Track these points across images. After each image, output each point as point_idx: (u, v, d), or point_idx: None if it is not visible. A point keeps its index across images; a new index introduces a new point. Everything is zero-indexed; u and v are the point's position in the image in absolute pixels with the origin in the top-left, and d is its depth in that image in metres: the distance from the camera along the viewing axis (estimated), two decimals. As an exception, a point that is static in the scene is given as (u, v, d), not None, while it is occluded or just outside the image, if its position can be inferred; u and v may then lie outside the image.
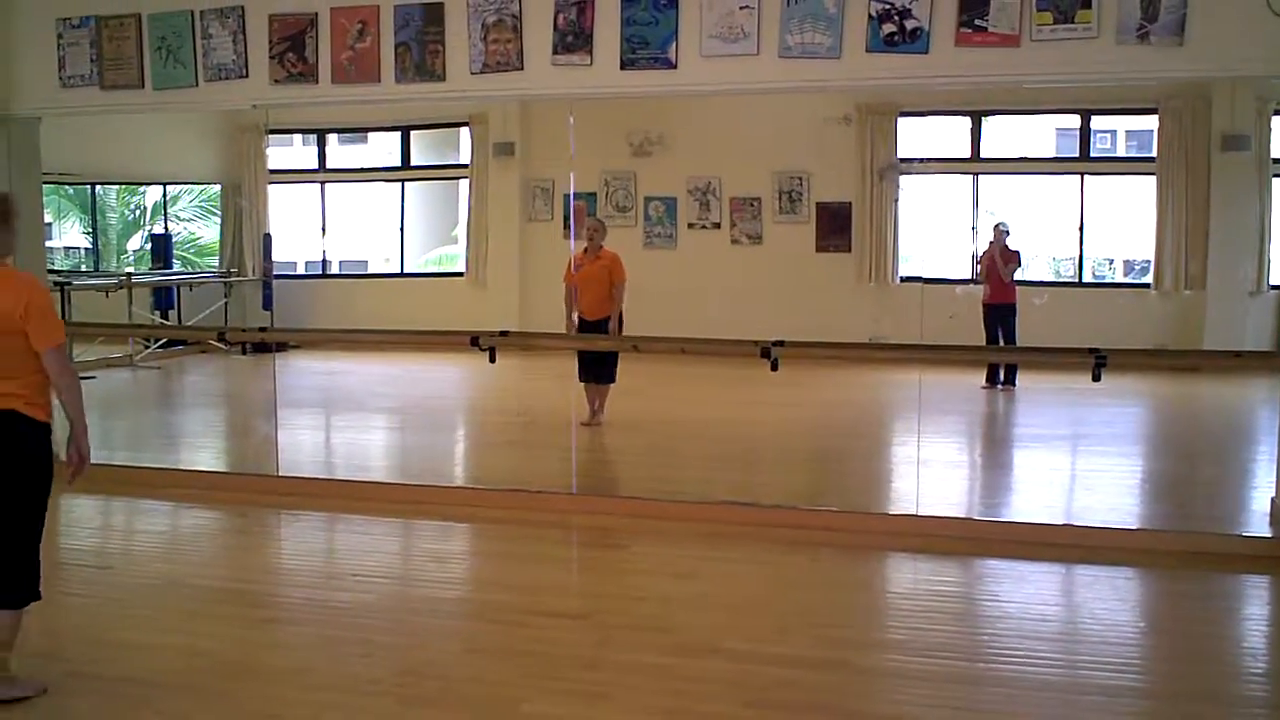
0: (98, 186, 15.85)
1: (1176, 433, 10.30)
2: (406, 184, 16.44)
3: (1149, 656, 4.76)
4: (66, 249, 17.04)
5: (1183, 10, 5.60)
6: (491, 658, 4.55)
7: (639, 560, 5.97)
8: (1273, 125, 12.81)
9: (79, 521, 6.94)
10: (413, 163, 16.33)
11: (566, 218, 14.32)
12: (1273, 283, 12.66)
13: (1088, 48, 5.74)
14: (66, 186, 15.58)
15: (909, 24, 5.92)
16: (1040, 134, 15.83)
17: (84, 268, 16.31)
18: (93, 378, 12.22)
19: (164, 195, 16.45)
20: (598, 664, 4.43)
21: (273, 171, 15.89)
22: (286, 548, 6.55)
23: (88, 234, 16.44)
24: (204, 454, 9.30)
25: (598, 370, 9.08)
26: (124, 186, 16.53)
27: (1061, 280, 14.76)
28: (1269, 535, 6.29)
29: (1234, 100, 12.76)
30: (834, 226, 14.07)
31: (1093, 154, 14.36)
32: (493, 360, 7.14)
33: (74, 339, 12.31)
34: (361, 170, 17.97)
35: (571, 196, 14.30)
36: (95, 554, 6.28)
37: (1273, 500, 6.53)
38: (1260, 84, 11.97)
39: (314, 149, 16.54)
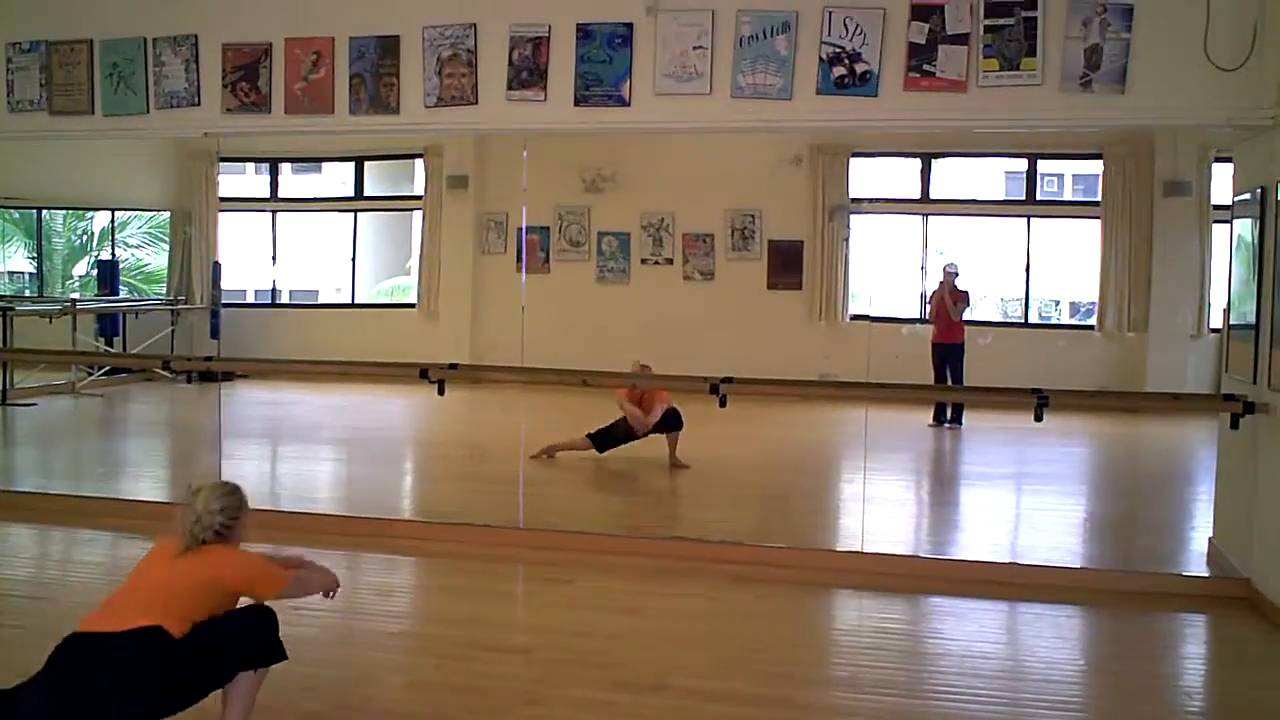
0: (44, 211, 15.65)
1: (1118, 473, 10.45)
2: (359, 214, 16.40)
3: (1089, 694, 4.80)
4: (10, 273, 16.79)
5: (1124, 60, 5.75)
6: (434, 692, 4.51)
7: (584, 595, 5.95)
8: (1213, 172, 13.11)
9: (15, 551, 6.82)
10: (366, 193, 16.30)
11: (519, 251, 14.35)
12: (1213, 326, 12.88)
13: (1033, 94, 5.88)
14: (12, 210, 15.38)
15: (859, 67, 6.03)
16: (989, 176, 16.08)
17: (28, 293, 16.09)
18: (34, 404, 12.04)
19: (112, 221, 16.28)
20: (540, 699, 4.40)
21: (223, 199, 15.77)
22: (228, 580, 6.45)
23: (32, 259, 16.22)
24: (146, 484, 9.16)
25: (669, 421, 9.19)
26: (71, 211, 16.33)
27: (1008, 321, 14.97)
28: (1206, 575, 6.39)
29: (1176, 147, 13.06)
30: (785, 264, 14.20)
31: (1039, 197, 14.63)
32: (441, 393, 7.12)
33: (15, 365, 12.15)
34: (314, 200, 17.89)
35: (524, 230, 14.33)
36: (31, 584, 6.16)
37: (1210, 540, 6.65)
38: (1201, 132, 12.24)
39: (266, 177, 16.47)
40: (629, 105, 6.36)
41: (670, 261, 14.47)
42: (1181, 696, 4.92)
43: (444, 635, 5.28)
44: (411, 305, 15.59)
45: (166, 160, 15.41)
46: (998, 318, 15.38)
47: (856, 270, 14.20)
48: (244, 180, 17.40)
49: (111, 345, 14.14)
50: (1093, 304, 13.99)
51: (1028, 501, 9.04)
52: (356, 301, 16.53)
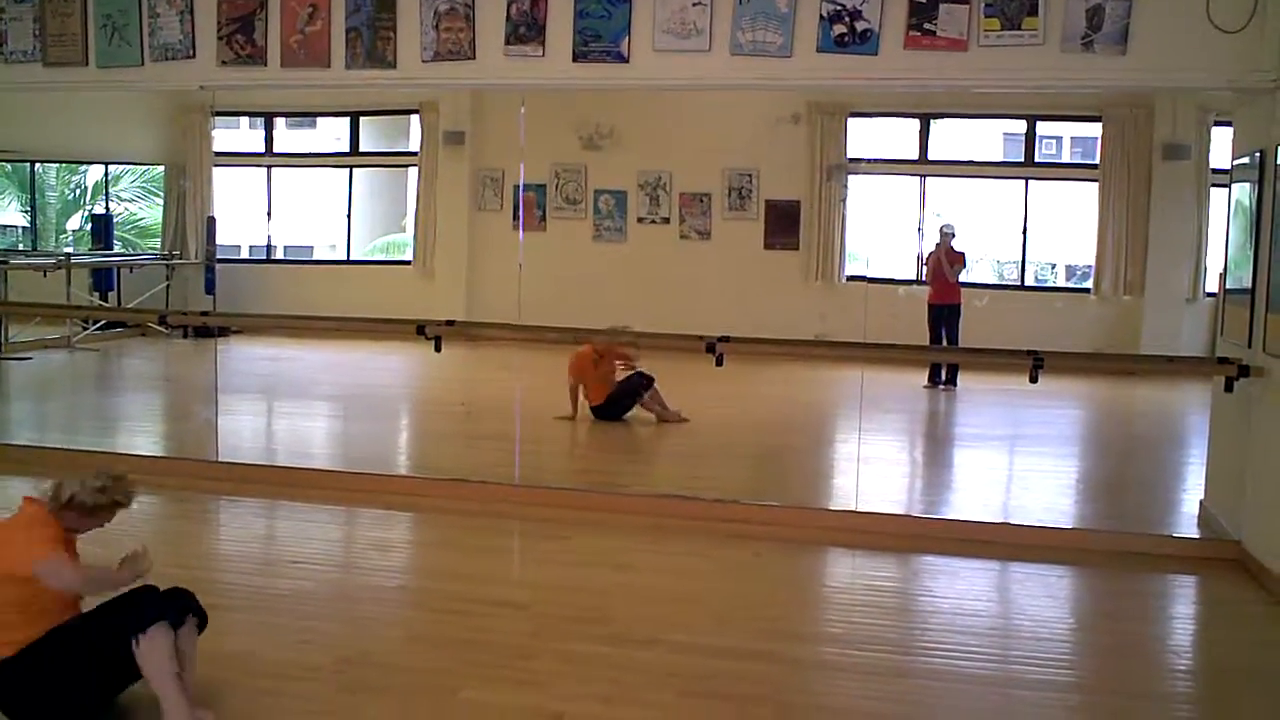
0: (37, 164, 15.56)
1: (1111, 435, 10.49)
2: (354, 170, 16.33)
3: (1079, 652, 4.85)
4: (4, 227, 16.73)
5: (1126, 21, 5.71)
6: (430, 646, 4.55)
7: (579, 552, 5.99)
8: (1213, 135, 13.05)
9: (9, 504, 6.81)
10: (361, 149, 16.22)
11: (516, 208, 14.31)
12: (1209, 290, 12.91)
13: (1033, 54, 5.84)
14: (5, 163, 15.29)
15: (859, 25, 5.99)
16: (987, 138, 16.02)
17: (21, 246, 16.03)
18: (29, 359, 12.04)
19: (105, 175, 16.21)
20: (536, 653, 4.44)
21: (218, 153, 15.69)
22: (225, 534, 6.50)
23: (26, 212, 16.15)
24: (142, 438, 9.18)
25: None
26: (64, 165, 16.25)
27: (1004, 283, 14.98)
28: (1196, 536, 6.44)
29: (1176, 110, 13.02)
30: (782, 224, 14.17)
31: (1038, 159, 14.59)
32: (438, 349, 7.12)
33: (10, 319, 12.14)
34: (309, 155, 17.80)
35: (521, 187, 14.29)
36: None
37: (1201, 503, 6.69)
38: (1202, 95, 12.19)
39: (261, 132, 16.37)
40: (628, 62, 6.31)
41: (667, 220, 14.44)
42: (1169, 655, 4.98)
43: (440, 590, 5.32)
44: (407, 262, 15.58)
45: (161, 113, 15.30)
46: (994, 280, 15.41)
47: (853, 231, 14.18)
48: (239, 135, 17.29)
49: (106, 299, 14.12)
50: (1089, 267, 13.99)
51: (1021, 462, 9.07)
52: (352, 258, 16.50)
